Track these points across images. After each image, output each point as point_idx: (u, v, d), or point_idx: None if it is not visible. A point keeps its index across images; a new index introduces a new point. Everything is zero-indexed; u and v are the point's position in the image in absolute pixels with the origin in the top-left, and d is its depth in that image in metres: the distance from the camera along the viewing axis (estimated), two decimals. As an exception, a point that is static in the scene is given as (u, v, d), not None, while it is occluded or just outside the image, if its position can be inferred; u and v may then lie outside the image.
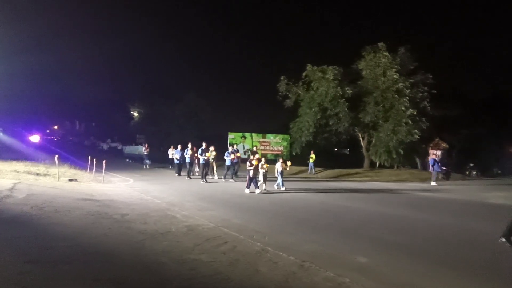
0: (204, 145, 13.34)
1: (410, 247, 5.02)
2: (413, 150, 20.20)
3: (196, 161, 14.64)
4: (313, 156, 19.29)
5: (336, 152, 29.90)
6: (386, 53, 19.44)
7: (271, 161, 15.91)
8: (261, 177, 10.87)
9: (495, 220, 7.27)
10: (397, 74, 18.99)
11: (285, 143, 23.89)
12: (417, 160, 22.82)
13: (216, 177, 14.38)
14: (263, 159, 11.07)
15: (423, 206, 9.12)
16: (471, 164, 20.05)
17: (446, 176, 17.25)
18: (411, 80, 19.23)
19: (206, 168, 13.27)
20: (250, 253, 4.42)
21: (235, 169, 14.31)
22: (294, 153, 22.03)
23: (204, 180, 12.94)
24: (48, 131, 70.71)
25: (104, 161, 12.58)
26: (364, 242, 5.28)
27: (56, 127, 77.12)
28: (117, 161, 24.63)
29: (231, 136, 24.41)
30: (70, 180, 11.21)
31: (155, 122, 41.88)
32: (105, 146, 43.31)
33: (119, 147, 35.44)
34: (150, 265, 3.85)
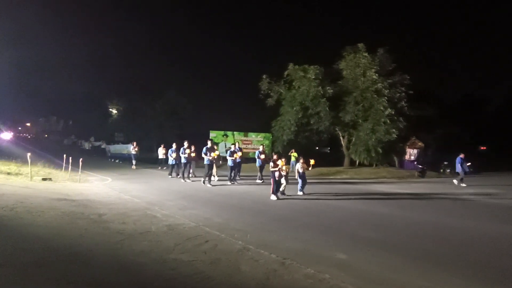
0: (209, 143, 12.21)
1: (387, 243, 5.16)
2: (391, 149, 20.76)
3: (184, 161, 13.08)
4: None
5: (317, 150, 30.27)
6: (366, 54, 19.87)
7: (253, 160, 15.89)
8: (283, 180, 9.49)
9: (469, 216, 7.60)
10: (376, 74, 19.45)
11: (267, 142, 23.96)
12: (395, 158, 23.48)
13: (216, 178, 12.97)
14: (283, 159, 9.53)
15: (406, 204, 9.38)
16: (445, 162, 20.84)
17: (422, 174, 17.88)
18: (389, 81, 19.73)
19: (211, 170, 12.02)
20: (231, 251, 4.41)
21: (239, 171, 13.27)
22: (276, 151, 22.14)
23: (209, 183, 11.66)
24: (20, 128, 67.74)
25: (80, 160, 12.17)
26: (344, 239, 5.39)
27: (28, 124, 73.97)
28: (99, 161, 23.77)
29: (212, 134, 24.24)
30: (44, 179, 10.77)
31: (134, 119, 40.96)
32: (87, 145, 41.00)
33: (103, 146, 33.65)
34: (129, 265, 3.76)
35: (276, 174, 9.06)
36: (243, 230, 5.58)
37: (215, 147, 12.54)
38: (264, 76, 22.64)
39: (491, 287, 3.56)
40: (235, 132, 24.53)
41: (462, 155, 14.39)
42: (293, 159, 19.61)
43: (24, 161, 12.94)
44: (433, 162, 20.85)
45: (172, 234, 5.15)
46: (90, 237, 4.77)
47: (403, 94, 19.88)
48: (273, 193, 9.05)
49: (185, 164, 13.16)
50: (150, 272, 3.61)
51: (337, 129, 21.98)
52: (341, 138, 22.46)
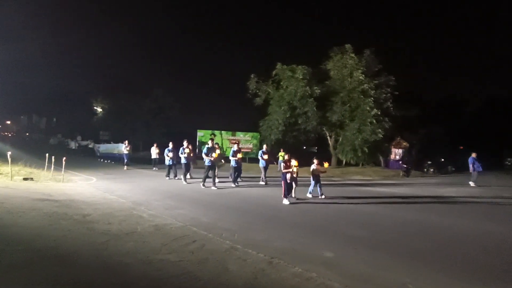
0: (209, 143, 11.30)
1: (373, 241, 5.24)
2: (376, 149, 21.13)
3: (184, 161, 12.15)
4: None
5: (304, 150, 30.50)
6: (353, 55, 20.15)
7: (226, 158, 15.62)
8: (294, 183, 8.85)
9: (451, 214, 7.81)
10: (363, 75, 19.75)
11: (254, 141, 23.98)
12: (381, 158, 23.90)
13: (216, 180, 11.58)
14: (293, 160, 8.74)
15: (390, 202, 9.54)
16: (429, 162, 21.36)
17: (407, 173, 18.27)
18: (375, 82, 20.07)
19: (213, 171, 11.01)
20: (219, 251, 4.39)
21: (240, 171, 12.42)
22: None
23: (213, 185, 10.81)
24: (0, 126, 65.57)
25: (63, 159, 11.88)
26: (331, 237, 5.45)
27: (8, 122, 71.64)
28: (86, 161, 23.14)
29: (200, 133, 24.12)
30: (25, 179, 10.47)
31: (120, 118, 40.30)
32: (73, 145, 39.13)
33: (90, 145, 32.24)
34: (114, 266, 3.69)
35: (288, 176, 8.37)
36: (230, 230, 5.56)
37: (216, 146, 11.57)
38: (252, 76, 22.67)
39: (474, 283, 3.67)
40: (223, 131, 24.45)
41: (474, 155, 13.84)
42: (280, 158, 19.68)
43: (4, 160, 12.54)
44: (417, 162, 21.36)
45: (159, 234, 5.09)
46: (74, 238, 4.66)
47: (389, 95, 20.28)
48: (284, 197, 8.37)
49: (186, 164, 12.18)
50: (136, 272, 3.56)
51: (324, 129, 22.20)
52: (328, 137, 22.70)
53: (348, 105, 20.25)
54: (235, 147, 12.00)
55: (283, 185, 8.42)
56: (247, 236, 5.27)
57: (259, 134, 23.43)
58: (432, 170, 20.95)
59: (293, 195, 8.89)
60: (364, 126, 19.41)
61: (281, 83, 21.64)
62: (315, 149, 35.70)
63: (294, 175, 8.61)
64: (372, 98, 19.50)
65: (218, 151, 11.15)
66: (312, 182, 9.38)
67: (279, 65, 21.58)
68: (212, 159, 10.76)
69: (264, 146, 13.26)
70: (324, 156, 24.66)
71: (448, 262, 4.32)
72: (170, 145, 13.55)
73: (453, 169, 22.07)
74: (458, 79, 63.34)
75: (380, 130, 19.28)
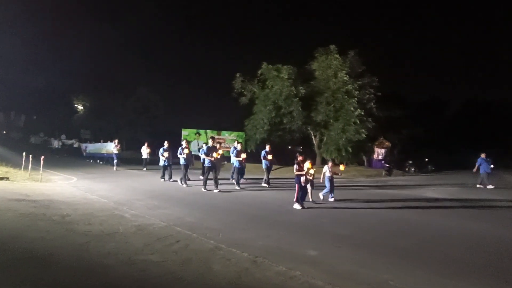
0: (210, 142, 10.58)
1: (356, 240, 5.33)
2: (360, 148, 21.49)
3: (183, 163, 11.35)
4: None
5: (289, 149, 30.68)
6: (337, 56, 20.39)
7: (227, 158, 15.68)
8: (309, 186, 8.36)
9: (432, 213, 8.03)
10: (347, 76, 20.03)
11: (240, 140, 23.93)
12: (364, 157, 24.33)
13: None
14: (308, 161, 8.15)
15: (376, 201, 9.71)
16: (410, 162, 21.94)
17: (389, 172, 18.70)
18: (359, 82, 20.40)
19: (214, 173, 10.17)
20: (203, 251, 4.36)
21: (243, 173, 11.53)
22: (249, 150, 22.17)
23: (216, 188, 9.97)
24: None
25: (42, 157, 11.48)
26: (316, 236, 5.50)
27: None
28: (68, 160, 22.25)
29: (185, 132, 23.85)
30: (1, 178, 10.08)
31: (103, 116, 39.40)
32: (56, 144, 36.75)
33: (75, 145, 30.22)
34: (94, 268, 3.61)
35: (302, 178, 7.77)
36: (215, 229, 5.53)
37: (217, 145, 10.67)
38: (237, 75, 22.60)
39: (452, 278, 3.78)
40: (208, 130, 24.28)
41: (483, 155, 13.21)
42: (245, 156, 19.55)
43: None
44: (399, 161, 21.91)
45: (142, 235, 5.01)
46: (52, 239, 4.52)
47: (372, 95, 20.67)
48: (296, 201, 7.80)
49: (185, 165, 11.36)
50: (117, 274, 3.49)
51: (309, 128, 22.39)
52: (313, 137, 22.92)
53: (333, 105, 20.49)
54: (238, 147, 11.27)
55: (296, 189, 7.87)
56: (231, 235, 5.25)
57: (245, 133, 23.40)
58: (413, 169, 21.53)
59: (310, 199, 8.38)
60: (348, 126, 19.70)
61: (267, 82, 21.67)
62: (300, 148, 35.98)
63: (310, 177, 8.10)
64: (356, 99, 19.82)
65: (220, 151, 10.40)
66: (328, 185, 8.87)
67: (264, 65, 21.61)
68: (212, 159, 10.01)
69: (267, 146, 12.29)
70: (309, 155, 24.87)
71: (428, 259, 4.44)
72: (166, 144, 12.74)
73: (433, 168, 22.76)
74: (440, 80, 65.35)
75: (363, 130, 19.61)
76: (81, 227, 5.22)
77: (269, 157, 11.83)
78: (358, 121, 19.57)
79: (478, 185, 13.09)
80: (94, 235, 4.80)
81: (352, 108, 19.61)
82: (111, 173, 15.32)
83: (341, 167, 9.28)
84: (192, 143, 22.56)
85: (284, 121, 21.20)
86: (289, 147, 29.39)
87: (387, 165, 19.24)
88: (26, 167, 11.89)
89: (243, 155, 11.14)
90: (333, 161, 8.87)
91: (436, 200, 9.97)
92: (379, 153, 23.26)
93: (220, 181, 10.41)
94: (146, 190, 10.16)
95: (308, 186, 8.20)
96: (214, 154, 10.03)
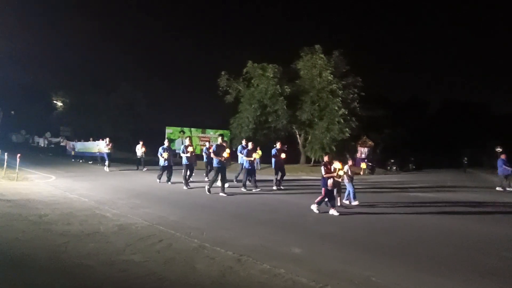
0: (219, 140, 9.92)
1: (341, 237, 5.40)
2: (344, 147, 21.81)
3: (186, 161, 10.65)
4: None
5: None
6: (322, 55, 20.60)
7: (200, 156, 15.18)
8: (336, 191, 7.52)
9: (416, 211, 8.22)
10: (332, 75, 20.27)
11: (225, 139, 23.82)
12: (347, 156, 24.71)
13: (227, 184, 10.21)
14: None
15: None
16: (392, 160, 22.47)
17: (372, 171, 19.09)
18: (343, 82, 20.71)
19: (223, 174, 9.34)
20: (186, 250, 4.30)
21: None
22: (234, 149, 22.09)
23: (222, 191, 9.23)
24: None
25: (18, 155, 11.04)
26: (300, 234, 5.53)
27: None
28: (51, 159, 21.23)
29: (169, 130, 23.55)
30: (-25, 177, 9.64)
31: (84, 113, 38.35)
32: (42, 142, 34.52)
33: (63, 143, 28.62)
34: (73, 269, 3.49)
35: (329, 182, 7.02)
36: (199, 228, 5.47)
37: (225, 144, 9.88)
38: (223, 73, 22.49)
39: (433, 273, 3.88)
40: (192, 129, 24.06)
41: (503, 156, 12.22)
42: (257, 156, 19.55)
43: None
44: (381, 160, 22.40)
45: (123, 234, 4.89)
46: (29, 240, 4.36)
47: (356, 95, 21.03)
48: (317, 203, 7.15)
49: (188, 166, 10.69)
50: (98, 275, 3.39)
51: (294, 127, 22.53)
52: (298, 136, 23.08)
53: (317, 104, 20.70)
54: (249, 146, 10.44)
55: (322, 192, 7.16)
56: (215, 234, 5.21)
57: (229, 132, 23.32)
58: (394, 168, 22.05)
59: (338, 204, 7.67)
60: (332, 125, 19.95)
61: (252, 81, 21.66)
62: (284, 147, 36.21)
63: (339, 180, 7.38)
64: (340, 98, 20.09)
65: (228, 150, 9.61)
66: (350, 187, 8.26)
67: (250, 63, 21.58)
68: (222, 159, 9.24)
69: (278, 144, 11.31)
70: (293, 154, 25.04)
71: (410, 256, 4.54)
72: (166, 143, 12.06)
73: (414, 167, 23.38)
74: (422, 80, 67.15)
75: (347, 129, 19.92)
76: (59, 227, 5.05)
77: (283, 155, 10.83)
78: (342, 120, 19.85)
79: (505, 188, 12.02)
80: (73, 235, 4.65)
81: (336, 108, 19.86)
82: (91, 171, 14.92)
83: (363, 165, 8.42)
84: (176, 141, 22.33)
85: (269, 120, 21.25)
86: (274, 146, 29.51)
87: (370, 164, 19.60)
88: (1, 166, 11.42)
89: (255, 155, 10.34)
90: (353, 160, 8.13)
91: (415, 197, 10.24)
92: (362, 152, 23.67)
93: (219, 182, 9.54)
94: (128, 189, 9.95)
95: (334, 191, 7.32)
96: (225, 154, 9.28)
